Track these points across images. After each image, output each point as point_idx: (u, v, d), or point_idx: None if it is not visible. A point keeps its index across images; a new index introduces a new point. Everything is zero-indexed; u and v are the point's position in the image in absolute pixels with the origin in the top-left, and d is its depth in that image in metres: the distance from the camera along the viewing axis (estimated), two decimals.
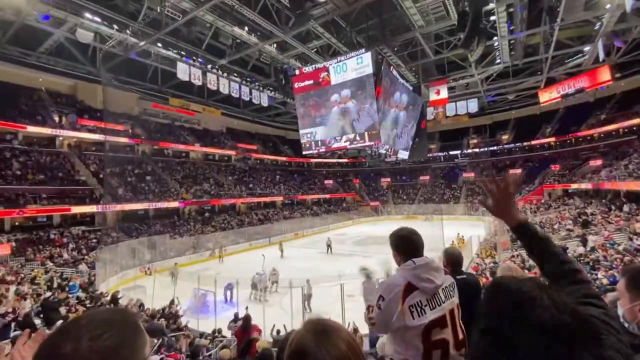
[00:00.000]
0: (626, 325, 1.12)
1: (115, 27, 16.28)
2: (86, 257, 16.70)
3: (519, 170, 37.65)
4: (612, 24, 16.07)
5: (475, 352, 0.66)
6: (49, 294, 10.53)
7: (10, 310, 7.64)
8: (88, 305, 10.05)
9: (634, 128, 26.69)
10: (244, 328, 6.98)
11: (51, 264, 15.02)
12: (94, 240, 18.93)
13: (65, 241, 18.22)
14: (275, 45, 19.11)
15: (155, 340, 5.31)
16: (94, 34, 16.17)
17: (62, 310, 8.47)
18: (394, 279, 1.47)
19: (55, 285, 11.97)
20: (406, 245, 1.56)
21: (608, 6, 14.64)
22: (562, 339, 0.57)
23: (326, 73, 15.56)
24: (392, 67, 16.42)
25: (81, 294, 11.34)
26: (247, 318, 7.28)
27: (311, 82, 16.11)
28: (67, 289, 11.62)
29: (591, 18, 16.41)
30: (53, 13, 14.79)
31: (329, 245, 22.12)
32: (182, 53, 19.03)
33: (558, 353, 0.56)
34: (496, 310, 0.64)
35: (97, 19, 15.72)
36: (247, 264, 19.08)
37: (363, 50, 14.83)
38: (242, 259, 21.06)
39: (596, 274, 10.23)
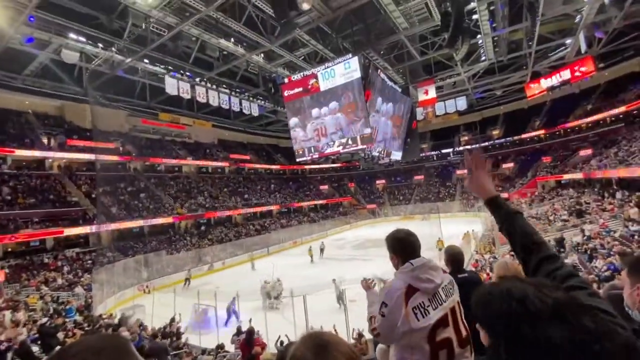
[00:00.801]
0: (630, 312, 1.13)
1: (101, 45, 16.22)
2: (82, 279, 16.39)
3: (511, 164, 38.10)
4: (592, 16, 16.43)
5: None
6: (45, 319, 10.28)
7: (4, 338, 7.42)
8: (86, 329, 9.84)
9: (620, 116, 27.20)
10: (248, 341, 6.87)
11: (46, 288, 14.69)
12: (89, 262, 18.60)
13: (60, 264, 17.88)
14: (262, 55, 19.20)
15: None
16: (79, 53, 16.09)
17: (60, 335, 8.28)
18: (394, 284, 1.44)
19: (51, 310, 11.70)
20: (403, 247, 1.54)
21: None
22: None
23: (315, 80, 15.62)
24: (379, 71, 16.57)
25: (79, 318, 11.12)
26: (250, 331, 7.17)
27: (300, 89, 16.15)
28: (63, 313, 11.37)
29: (571, 11, 16.78)
30: (37, 35, 14.68)
31: (322, 250, 22.57)
32: (170, 68, 19.00)
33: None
34: (498, 320, 0.63)
35: (82, 38, 15.65)
36: (246, 275, 18.92)
37: (350, 55, 14.95)
38: (242, 270, 20.87)
39: (595, 263, 10.30)
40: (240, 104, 23.25)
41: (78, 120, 26.83)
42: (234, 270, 21.15)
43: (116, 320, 9.99)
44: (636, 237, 11.57)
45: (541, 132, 36.27)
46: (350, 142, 15.45)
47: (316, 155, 16.94)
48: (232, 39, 17.07)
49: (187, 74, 19.78)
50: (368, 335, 7.04)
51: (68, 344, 0.50)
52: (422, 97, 23.41)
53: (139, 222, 23.17)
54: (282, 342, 7.89)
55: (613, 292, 1.45)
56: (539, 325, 0.57)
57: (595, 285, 6.83)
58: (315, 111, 16.02)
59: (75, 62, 16.84)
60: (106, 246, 20.82)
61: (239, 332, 8.81)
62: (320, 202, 42.22)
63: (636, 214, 13.51)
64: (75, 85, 19.77)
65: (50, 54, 16.36)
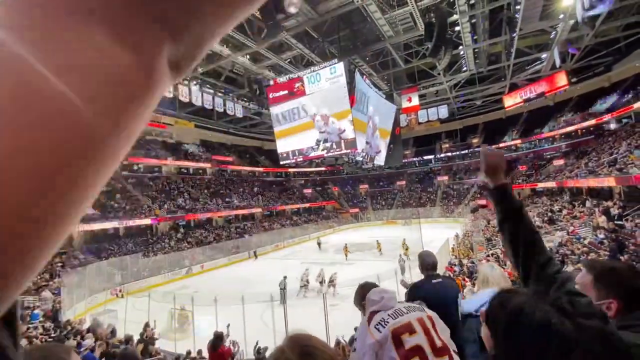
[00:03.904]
0: None
1: None
2: (50, 282, 15.58)
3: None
4: (566, 33, 17.30)
5: None
6: None
7: None
8: (52, 335, 9.34)
9: (591, 128, 28.61)
10: (214, 347, 6.51)
11: None
12: (59, 264, 17.73)
13: None
14: (248, 56, 19.06)
15: None
16: None
17: (23, 342, 7.81)
18: (362, 327, 1.57)
19: None
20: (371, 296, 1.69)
21: (561, 16, 15.76)
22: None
23: (300, 83, 15.64)
24: (365, 76, 16.77)
25: (47, 324, 10.56)
26: (218, 336, 6.75)
27: (286, 92, 16.12)
28: (28, 318, 10.76)
29: (547, 27, 17.62)
30: None
31: (319, 244, 25.35)
32: None
33: None
34: (522, 345, 0.59)
35: None
36: (226, 279, 18.55)
37: (336, 60, 15.07)
38: (221, 274, 20.45)
39: (565, 268, 10.70)
40: (224, 104, 22.96)
41: None
42: (213, 274, 20.69)
43: (84, 326, 9.52)
44: (606, 243, 12.14)
45: (518, 141, 37.64)
46: (334, 146, 15.51)
47: (300, 159, 16.91)
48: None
49: None
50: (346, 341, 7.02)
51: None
52: (405, 104, 23.86)
53: (114, 224, 22.32)
54: (259, 349, 7.73)
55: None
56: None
57: None
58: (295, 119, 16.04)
59: None
60: (77, 248, 19.92)
61: (216, 337, 8.57)
62: (304, 205, 42.08)
63: (604, 222, 14.18)
64: None
65: None
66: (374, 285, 1.83)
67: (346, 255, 21.51)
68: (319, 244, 26.29)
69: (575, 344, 0.53)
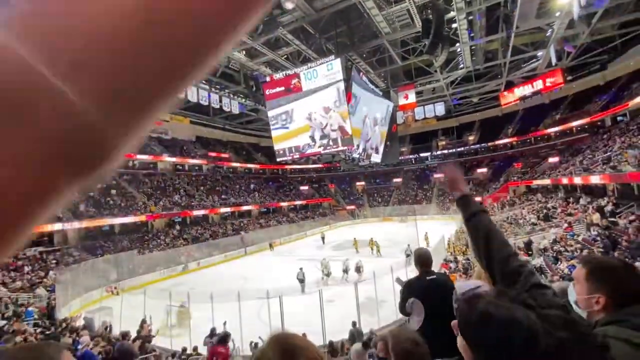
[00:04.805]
0: (575, 309, 1.18)
1: None
2: (44, 280, 15.47)
3: (485, 170, 39.54)
4: (562, 30, 17.34)
5: None
6: (3, 322, 9.61)
7: None
8: (47, 333, 9.28)
9: (586, 126, 28.85)
10: (220, 343, 6.52)
11: (4, 289, 13.74)
12: (54, 262, 17.60)
13: (21, 264, 16.79)
14: (244, 52, 18.92)
15: None
16: None
17: (18, 339, 7.75)
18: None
19: (10, 313, 10.95)
20: None
21: (558, 13, 15.79)
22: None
23: (297, 79, 15.57)
24: (361, 73, 16.73)
25: (41, 321, 10.49)
26: (226, 335, 6.70)
27: (282, 88, 16.05)
28: (22, 316, 10.68)
29: (543, 25, 17.64)
30: None
31: (322, 238, 26.61)
32: None
33: None
34: (493, 346, 0.61)
35: None
36: (222, 276, 18.53)
37: (332, 57, 15.01)
38: (217, 271, 20.43)
39: (560, 265, 10.82)
40: (220, 100, 22.81)
41: None
42: (209, 271, 20.66)
43: (78, 323, 9.48)
44: (599, 240, 12.26)
45: (513, 139, 37.86)
46: (331, 143, 15.50)
47: (297, 155, 16.89)
48: None
49: None
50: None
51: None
52: (402, 101, 23.85)
53: (109, 220, 22.18)
54: (256, 345, 7.75)
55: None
56: None
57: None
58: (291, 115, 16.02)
59: None
60: (72, 245, 19.78)
61: (212, 333, 8.58)
62: (301, 202, 42.07)
63: (598, 219, 14.32)
64: None
65: None
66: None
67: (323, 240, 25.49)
68: (322, 238, 27.10)
69: (541, 333, 0.55)
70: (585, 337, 0.57)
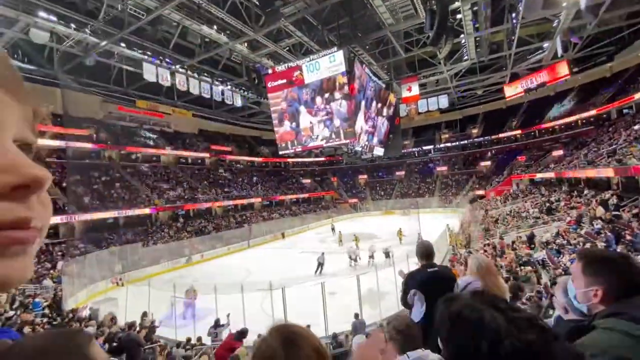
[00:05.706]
0: (575, 304, 1.20)
1: (73, 26, 15.35)
2: (51, 271, 15.71)
3: (489, 162, 39.32)
4: (568, 21, 17.03)
5: None
6: (11, 313, 9.80)
7: None
8: (54, 324, 9.47)
9: (591, 119, 28.50)
10: (238, 339, 6.31)
11: None
12: (60, 254, 17.83)
13: None
14: (246, 44, 18.77)
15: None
16: (49, 33, 15.17)
17: (26, 329, 7.91)
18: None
19: (17, 304, 11.15)
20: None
21: (564, 3, 15.49)
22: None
23: (299, 72, 15.45)
24: (364, 65, 16.56)
25: (47, 312, 10.67)
26: (243, 331, 6.54)
27: (284, 81, 15.95)
28: (30, 307, 10.87)
29: (549, 16, 17.32)
30: (2, 12, 13.72)
31: (333, 229, 26.85)
32: (149, 53, 18.26)
33: None
34: (462, 346, 0.65)
35: (53, 17, 14.75)
36: (225, 268, 18.71)
37: (335, 48, 14.86)
38: (221, 263, 20.62)
39: (562, 258, 10.82)
40: (223, 93, 22.74)
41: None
42: (212, 263, 20.85)
43: (84, 313, 9.65)
44: (602, 233, 12.21)
45: (518, 132, 37.54)
46: (333, 136, 15.45)
47: (299, 148, 16.86)
48: (215, 26, 16.54)
49: (167, 60, 19.08)
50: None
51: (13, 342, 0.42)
52: (405, 93, 23.64)
53: (114, 213, 22.37)
54: (260, 336, 7.84)
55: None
56: None
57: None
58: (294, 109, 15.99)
59: (45, 43, 15.87)
60: (78, 237, 20.01)
61: (216, 324, 8.70)
62: (303, 195, 42.15)
63: (602, 212, 14.25)
64: (45, 68, 18.66)
65: (17, 33, 15.34)
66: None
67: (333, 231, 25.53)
68: (332, 229, 27.26)
69: (506, 334, 0.58)
70: (553, 339, 0.58)
